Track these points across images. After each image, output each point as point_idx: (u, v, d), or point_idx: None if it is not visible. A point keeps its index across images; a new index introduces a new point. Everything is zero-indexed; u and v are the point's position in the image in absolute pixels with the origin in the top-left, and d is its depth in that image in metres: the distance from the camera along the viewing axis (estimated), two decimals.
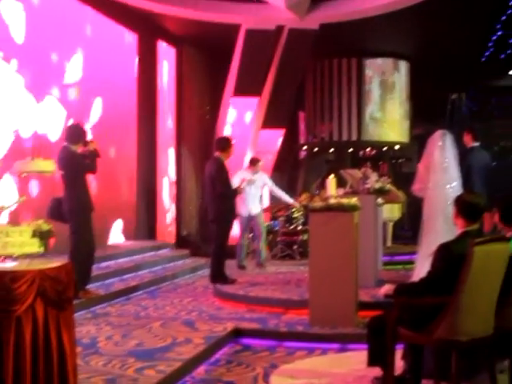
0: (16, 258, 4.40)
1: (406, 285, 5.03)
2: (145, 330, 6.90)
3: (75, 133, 8.05)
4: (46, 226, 4.64)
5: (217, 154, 9.72)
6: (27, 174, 4.94)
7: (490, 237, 4.65)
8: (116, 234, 12.91)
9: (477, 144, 8.49)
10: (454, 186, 7.57)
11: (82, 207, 7.89)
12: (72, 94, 11.40)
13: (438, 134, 7.89)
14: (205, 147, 15.36)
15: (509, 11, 15.02)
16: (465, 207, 4.77)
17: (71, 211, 7.75)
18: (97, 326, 7.15)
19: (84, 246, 7.87)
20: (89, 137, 8.33)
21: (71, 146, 7.88)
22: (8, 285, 3.95)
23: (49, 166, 5.16)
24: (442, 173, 7.70)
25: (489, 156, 8.86)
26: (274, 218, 14.17)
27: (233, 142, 9.85)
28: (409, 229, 18.48)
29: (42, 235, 4.60)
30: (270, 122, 15.54)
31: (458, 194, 5.68)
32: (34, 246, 4.52)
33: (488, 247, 4.42)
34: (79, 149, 7.98)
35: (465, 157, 7.99)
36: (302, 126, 20.34)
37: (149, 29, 14.06)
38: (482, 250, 4.36)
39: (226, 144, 9.78)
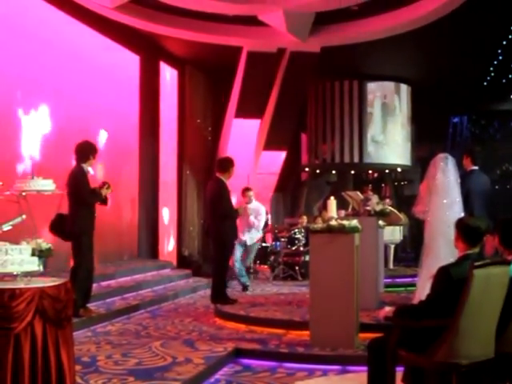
0: (15, 276, 4.39)
1: (405, 307, 5.01)
2: (145, 349, 6.88)
3: (82, 150, 8.09)
4: (45, 245, 4.65)
5: (218, 174, 9.75)
6: (27, 192, 4.95)
7: (490, 260, 4.64)
8: (119, 253, 12.90)
9: (476, 167, 8.45)
10: (455, 208, 7.57)
11: (84, 229, 7.96)
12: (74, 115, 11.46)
13: (440, 157, 7.92)
14: (207, 168, 15.41)
15: (510, 36, 15.09)
16: (465, 230, 4.77)
17: (74, 233, 7.89)
18: (97, 344, 7.14)
19: (85, 265, 7.97)
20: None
21: (82, 165, 7.99)
22: (7, 303, 3.96)
23: (48, 185, 5.16)
24: (444, 196, 7.71)
25: (488, 179, 8.81)
26: (276, 239, 14.18)
27: (234, 162, 9.89)
28: (411, 251, 18.49)
29: (41, 254, 4.61)
30: (271, 143, 15.59)
31: (459, 217, 5.68)
32: (34, 265, 4.51)
33: (488, 270, 4.42)
34: (90, 170, 8.16)
35: (464, 180, 7.97)
36: (304, 148, 20.40)
37: (151, 50, 14.14)
38: (481, 273, 4.36)
39: (227, 165, 9.80)
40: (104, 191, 8.11)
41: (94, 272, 8.41)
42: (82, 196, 7.92)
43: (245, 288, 11.45)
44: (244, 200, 11.95)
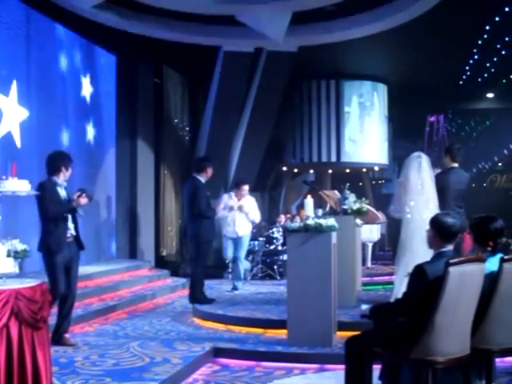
0: None
1: (382, 305, 5.05)
2: (123, 350, 6.86)
3: (52, 162, 7.20)
4: (21, 246, 4.62)
5: (195, 174, 9.75)
6: (1, 194, 4.91)
7: (465, 257, 4.68)
8: (94, 253, 12.83)
9: (456, 165, 8.46)
10: (430, 207, 7.63)
11: (51, 247, 6.99)
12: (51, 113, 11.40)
13: (414, 155, 7.99)
14: (184, 168, 15.39)
15: (485, 35, 15.21)
16: (439, 228, 4.81)
17: (42, 252, 7.03)
18: (74, 345, 7.10)
19: (59, 289, 6.95)
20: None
21: (53, 177, 7.10)
22: None
23: (24, 186, 5.11)
24: (419, 194, 7.78)
25: (467, 177, 8.81)
26: (254, 239, 14.18)
27: (211, 162, 9.89)
28: (390, 250, 18.60)
29: (16, 255, 4.58)
30: (249, 142, 15.58)
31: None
32: (9, 266, 4.48)
33: (463, 268, 4.45)
34: (63, 182, 7.20)
35: (439, 178, 8.01)
36: (281, 147, 20.43)
37: (128, 50, 14.08)
38: (457, 270, 4.40)
39: (204, 165, 9.79)
40: (81, 202, 7.11)
41: (73, 294, 7.31)
42: (46, 210, 7.01)
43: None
44: (239, 194, 11.37)
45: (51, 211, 7.00)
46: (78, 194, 7.14)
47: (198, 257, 9.67)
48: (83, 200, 7.14)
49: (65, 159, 7.30)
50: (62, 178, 7.18)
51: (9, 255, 4.57)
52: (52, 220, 7.03)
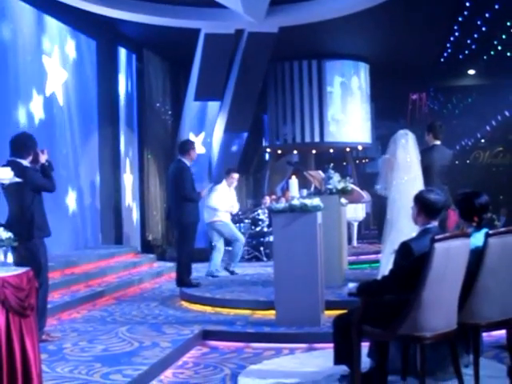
0: None
1: (368, 283, 5.07)
2: (111, 335, 6.86)
3: (23, 144, 6.63)
4: (5, 234, 4.59)
5: (179, 157, 9.70)
6: None
7: (450, 233, 4.71)
8: (80, 240, 12.80)
9: (438, 142, 8.46)
10: (417, 184, 7.63)
11: (37, 232, 6.53)
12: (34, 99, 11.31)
13: (401, 133, 7.97)
14: (168, 151, 15.36)
15: (465, 12, 15.23)
16: (424, 204, 4.83)
17: (22, 234, 6.00)
18: (63, 332, 7.09)
19: (45, 280, 6.54)
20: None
21: (21, 161, 6.50)
22: None
23: (6, 173, 5.06)
24: (405, 172, 7.78)
25: (450, 154, 8.81)
26: (239, 221, 14.20)
27: (195, 145, 9.84)
28: (375, 228, 18.70)
29: (1, 243, 4.55)
30: (232, 125, 15.57)
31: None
32: None
33: (449, 244, 4.48)
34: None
35: (423, 156, 8.01)
36: (265, 129, 20.45)
37: (108, 35, 13.98)
38: (442, 246, 4.42)
39: (188, 147, 9.72)
40: (42, 159, 6.67)
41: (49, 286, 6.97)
42: (46, 188, 6.67)
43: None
44: (229, 181, 11.26)
45: (51, 185, 6.74)
46: (34, 157, 6.70)
47: (183, 240, 9.63)
48: (44, 156, 6.75)
49: (34, 142, 6.79)
50: (28, 163, 6.65)
51: None
52: (39, 199, 6.65)
